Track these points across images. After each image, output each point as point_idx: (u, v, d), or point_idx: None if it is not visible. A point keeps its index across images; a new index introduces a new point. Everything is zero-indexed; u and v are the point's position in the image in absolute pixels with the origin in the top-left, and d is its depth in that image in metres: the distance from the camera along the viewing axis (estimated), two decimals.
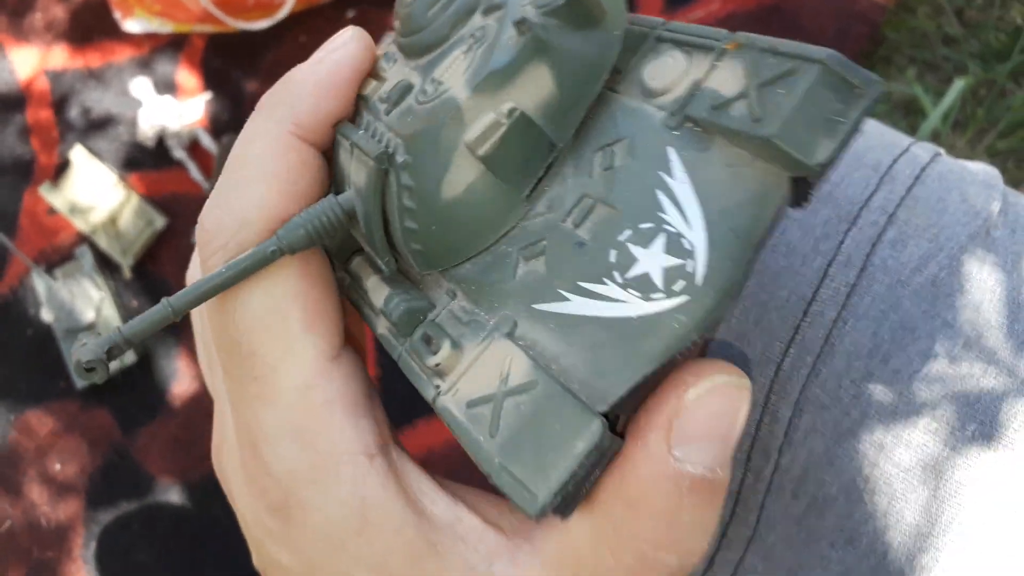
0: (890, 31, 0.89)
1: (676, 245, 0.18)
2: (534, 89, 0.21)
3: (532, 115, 0.21)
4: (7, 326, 0.92)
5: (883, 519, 0.27)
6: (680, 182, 0.19)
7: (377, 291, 0.23)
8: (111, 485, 0.88)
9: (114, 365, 0.87)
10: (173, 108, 0.92)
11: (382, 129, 0.22)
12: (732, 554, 0.29)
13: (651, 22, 0.22)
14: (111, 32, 0.97)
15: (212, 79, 0.95)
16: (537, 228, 0.21)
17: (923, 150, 0.31)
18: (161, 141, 0.93)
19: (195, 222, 0.91)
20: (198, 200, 0.92)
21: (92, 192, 0.90)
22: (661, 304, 0.18)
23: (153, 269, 0.91)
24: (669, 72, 0.20)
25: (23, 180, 0.95)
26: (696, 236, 0.18)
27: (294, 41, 0.95)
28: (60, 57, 0.97)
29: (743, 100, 0.18)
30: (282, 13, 0.89)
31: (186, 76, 0.95)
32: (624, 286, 0.19)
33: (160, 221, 0.90)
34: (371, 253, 0.23)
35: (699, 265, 0.18)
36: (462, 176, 0.21)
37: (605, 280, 0.19)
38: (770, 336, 0.28)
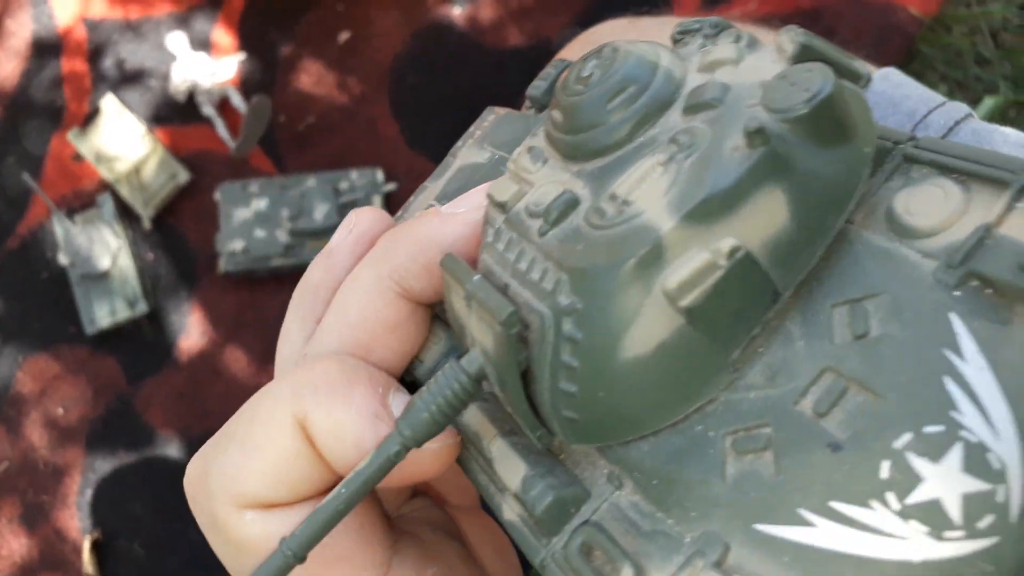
0: (925, 46, 0.89)
1: (979, 462, 0.13)
2: (763, 221, 0.16)
3: (757, 255, 0.16)
4: (23, 267, 0.93)
5: None
6: (975, 367, 0.14)
7: (507, 462, 0.19)
8: (112, 434, 0.89)
9: (125, 314, 0.87)
10: (206, 65, 0.93)
11: (532, 254, 0.18)
12: None
13: (894, 134, 0.17)
14: None
15: (248, 40, 0.96)
16: (754, 408, 0.16)
17: (957, 107, 0.31)
18: (191, 97, 0.94)
19: (219, 179, 0.91)
20: (223, 157, 0.93)
21: (119, 141, 0.90)
22: (959, 547, 0.13)
23: (172, 222, 0.92)
24: (936, 207, 0.16)
25: (52, 124, 0.96)
26: (1006, 450, 0.13)
27: (332, 8, 0.96)
28: (100, 6, 0.98)
29: None
30: None
31: (222, 35, 0.96)
32: (903, 516, 0.14)
33: (184, 175, 0.91)
34: (516, 418, 0.18)
35: (1013, 493, 0.13)
36: (653, 331, 0.16)
37: (872, 504, 0.14)
38: None
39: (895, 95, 0.30)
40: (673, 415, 0.17)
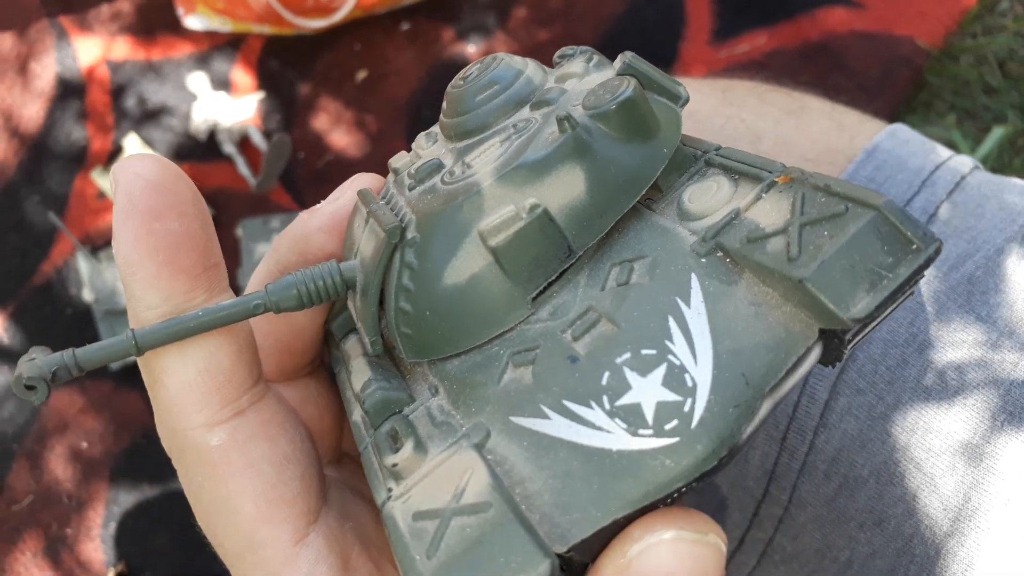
0: (932, 76, 0.90)
1: (677, 379, 0.16)
2: (563, 190, 0.20)
3: (555, 216, 0.19)
4: (48, 304, 0.95)
5: (912, 502, 0.28)
6: (696, 312, 0.17)
7: (359, 374, 0.22)
8: (135, 467, 0.90)
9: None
10: (226, 104, 0.95)
11: (402, 203, 0.21)
12: (762, 533, 0.30)
13: (705, 145, 0.21)
14: (173, 28, 1.00)
15: (266, 79, 0.98)
16: (535, 334, 0.19)
17: (962, 162, 0.32)
18: (212, 135, 0.96)
19: (240, 215, 0.93)
20: (244, 194, 0.95)
21: None
22: (647, 442, 0.16)
23: None
24: (711, 197, 0.20)
25: (76, 164, 0.98)
26: (701, 374, 0.16)
27: (348, 48, 0.98)
28: (122, 49, 1.01)
29: (781, 236, 0.17)
30: (339, 15, 0.92)
31: (241, 75, 0.98)
32: (611, 414, 0.17)
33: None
34: (360, 330, 0.22)
35: (698, 406, 0.16)
36: (468, 264, 0.20)
37: (592, 403, 0.17)
38: None
39: (902, 153, 0.31)
40: (480, 338, 0.20)
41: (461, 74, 0.23)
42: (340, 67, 0.97)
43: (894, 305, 0.16)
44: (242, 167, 0.95)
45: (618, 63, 0.22)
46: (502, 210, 0.19)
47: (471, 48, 0.96)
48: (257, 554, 0.20)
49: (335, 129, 0.96)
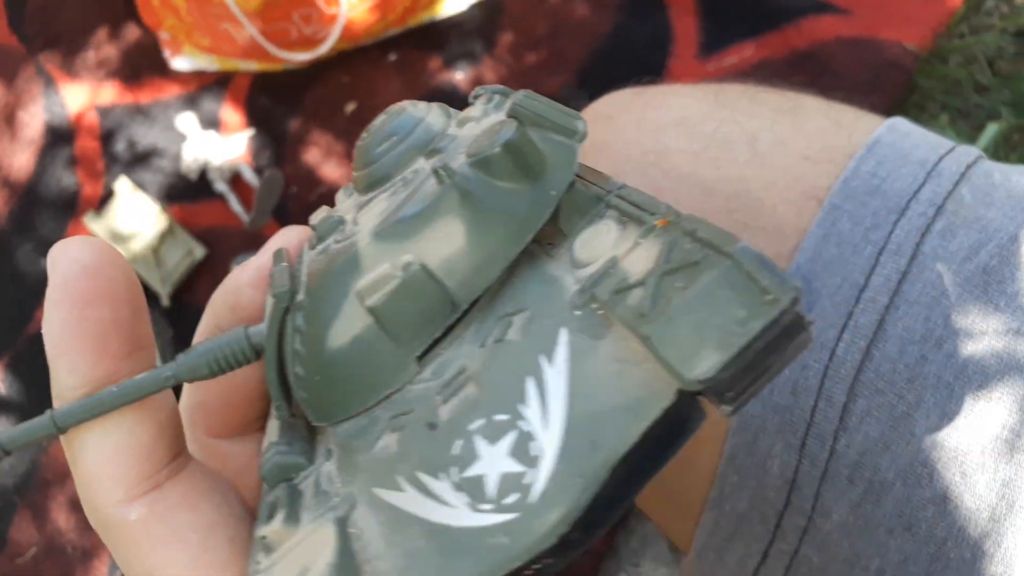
0: (922, 79, 0.90)
1: (523, 448, 0.15)
2: (442, 244, 0.19)
3: (434, 271, 0.19)
4: (43, 354, 0.93)
5: (943, 504, 0.26)
6: (557, 371, 0.16)
7: (268, 436, 0.21)
8: None
9: None
10: (217, 143, 0.95)
11: (306, 262, 0.21)
12: (786, 545, 0.29)
13: (609, 184, 0.20)
14: (160, 70, 1.00)
15: (255, 116, 0.98)
16: (413, 396, 0.19)
17: (967, 151, 0.31)
18: (203, 174, 0.95)
19: (234, 253, 0.92)
20: (238, 231, 0.94)
21: (134, 221, 0.92)
22: (487, 518, 0.15)
23: (189, 300, 0.92)
24: (599, 243, 0.18)
25: (68, 211, 0.97)
26: (549, 441, 0.15)
27: (336, 81, 0.98)
28: (110, 93, 1.00)
29: (640, 288, 0.16)
30: (324, 47, 0.92)
31: (230, 113, 0.98)
32: (457, 487, 0.16)
33: (200, 251, 0.92)
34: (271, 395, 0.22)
35: (540, 478, 0.15)
36: (350, 326, 0.19)
37: (440, 475, 0.16)
38: (824, 322, 0.28)
39: (904, 146, 0.31)
40: (367, 401, 0.19)
41: (368, 126, 0.23)
42: (329, 100, 0.97)
43: (767, 367, 0.14)
44: (234, 204, 0.94)
45: (508, 103, 0.21)
46: (378, 269, 0.19)
47: (459, 75, 0.96)
48: None
49: (326, 162, 0.95)
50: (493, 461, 0.15)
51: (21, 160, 0.99)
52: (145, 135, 0.99)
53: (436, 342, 0.19)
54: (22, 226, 0.97)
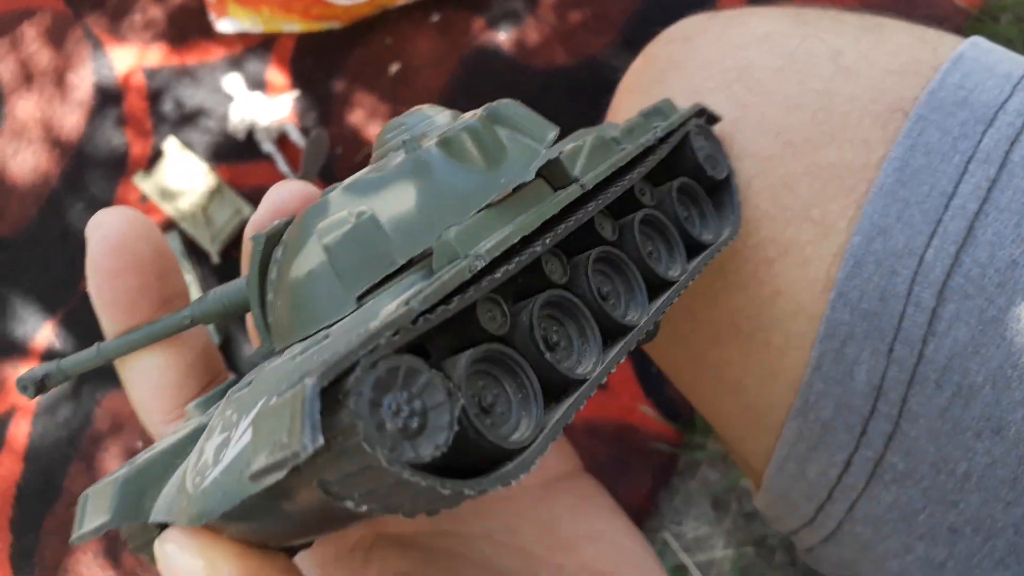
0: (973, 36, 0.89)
1: (228, 440, 0.18)
2: (394, 203, 0.21)
3: (383, 223, 0.21)
4: None
5: None
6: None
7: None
8: None
9: None
10: (263, 104, 0.96)
11: None
12: (871, 452, 0.30)
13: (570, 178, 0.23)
14: (205, 33, 1.01)
15: (300, 78, 0.99)
16: (333, 332, 0.20)
17: None
18: (250, 135, 0.97)
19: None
20: None
21: (183, 181, 0.93)
22: (196, 484, 0.18)
23: (239, 257, 0.94)
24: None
25: (117, 171, 0.99)
26: (231, 451, 0.17)
27: (380, 43, 0.98)
28: (157, 56, 1.02)
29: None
30: None
31: (276, 74, 0.99)
32: (221, 444, 0.18)
33: (248, 210, 0.93)
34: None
35: (208, 477, 0.17)
36: (308, 260, 0.22)
37: (236, 423, 0.18)
38: (912, 229, 0.28)
39: (988, 60, 0.31)
40: (310, 328, 0.21)
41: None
42: (373, 62, 0.98)
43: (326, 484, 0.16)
44: (281, 165, 0.95)
45: (484, 110, 0.24)
46: (338, 213, 0.21)
47: (502, 36, 0.96)
48: None
49: (371, 122, 0.96)
50: (232, 439, 0.18)
51: (71, 121, 1.01)
52: (192, 96, 1.00)
53: (374, 288, 0.21)
54: (74, 186, 0.99)
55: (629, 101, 0.35)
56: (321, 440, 0.14)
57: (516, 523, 0.30)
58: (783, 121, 0.30)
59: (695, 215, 0.28)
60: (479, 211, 0.21)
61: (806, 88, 0.30)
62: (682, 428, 0.85)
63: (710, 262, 0.27)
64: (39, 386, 0.25)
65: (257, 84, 0.99)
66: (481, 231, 0.20)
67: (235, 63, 1.00)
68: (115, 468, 0.94)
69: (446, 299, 0.17)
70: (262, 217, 0.24)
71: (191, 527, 0.18)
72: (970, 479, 0.28)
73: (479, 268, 0.18)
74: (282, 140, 0.97)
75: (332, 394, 0.15)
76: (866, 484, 0.31)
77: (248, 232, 0.25)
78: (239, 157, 0.97)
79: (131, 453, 0.92)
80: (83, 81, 1.02)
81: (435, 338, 0.19)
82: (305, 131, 0.96)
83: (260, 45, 1.00)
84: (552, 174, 0.23)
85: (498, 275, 0.19)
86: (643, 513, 0.84)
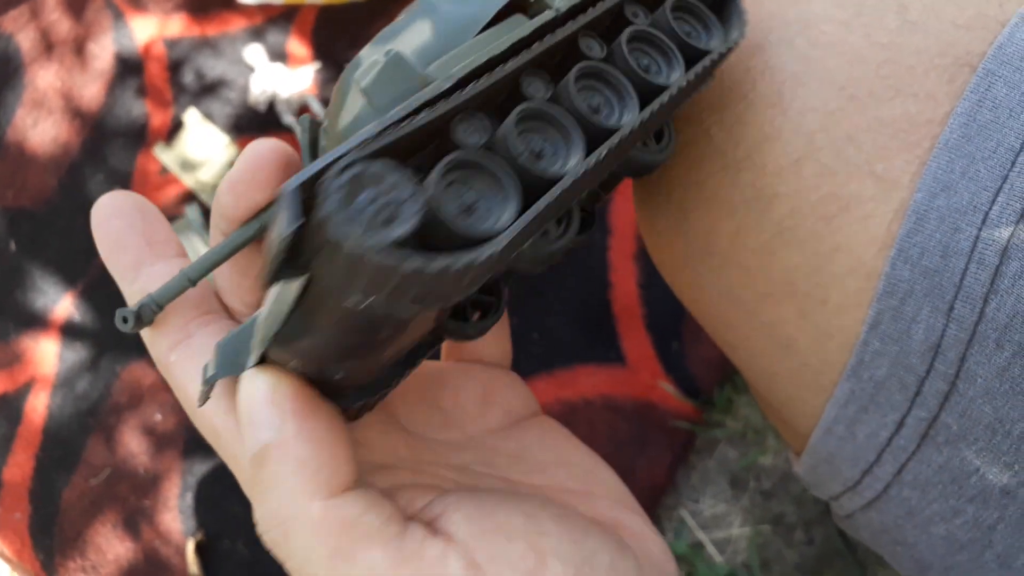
0: None
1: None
2: (415, 39, 0.24)
3: (408, 56, 0.24)
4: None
5: None
6: None
7: None
8: None
9: None
10: (284, 75, 0.95)
11: None
12: (925, 412, 0.29)
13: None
14: (227, 4, 1.00)
15: (321, 49, 0.98)
16: None
17: None
18: (272, 106, 0.96)
19: None
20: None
21: (204, 152, 0.93)
22: (260, 317, 0.22)
23: None
24: None
25: (137, 142, 0.99)
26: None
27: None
28: (177, 26, 1.01)
29: None
30: None
31: (297, 46, 0.98)
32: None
33: None
34: None
35: (267, 304, 0.21)
36: (351, 109, 0.25)
37: None
38: (977, 185, 0.28)
39: None
40: None
41: None
42: None
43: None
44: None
45: None
46: (370, 60, 0.25)
47: None
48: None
49: None
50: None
51: (92, 91, 1.01)
52: (213, 67, 0.99)
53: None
54: (94, 157, 0.99)
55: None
56: (297, 223, 0.17)
57: (490, 456, 0.32)
58: (847, 75, 0.30)
59: (699, 28, 0.29)
60: (465, 43, 0.24)
61: (872, 41, 0.30)
62: (701, 406, 0.85)
63: (714, 77, 0.30)
64: (137, 320, 0.26)
65: (278, 55, 0.98)
66: (460, 59, 0.23)
67: (256, 34, 1.00)
68: (134, 441, 0.94)
69: (415, 112, 0.20)
70: (239, 173, 0.26)
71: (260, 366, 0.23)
72: None
73: (446, 87, 0.21)
74: (303, 112, 0.96)
75: (313, 200, 0.17)
76: (918, 446, 0.30)
77: (222, 187, 0.26)
78: (260, 129, 0.96)
79: (150, 426, 0.92)
80: (103, 51, 1.02)
81: (429, 156, 0.21)
82: (326, 103, 0.96)
83: (281, 16, 1.00)
84: (535, 7, 0.25)
85: (466, 91, 0.21)
86: (661, 490, 0.83)
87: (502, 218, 0.19)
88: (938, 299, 0.28)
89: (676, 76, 0.26)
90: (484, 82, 0.21)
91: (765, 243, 0.31)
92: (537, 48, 0.23)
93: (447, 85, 0.21)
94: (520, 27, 0.24)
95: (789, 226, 0.30)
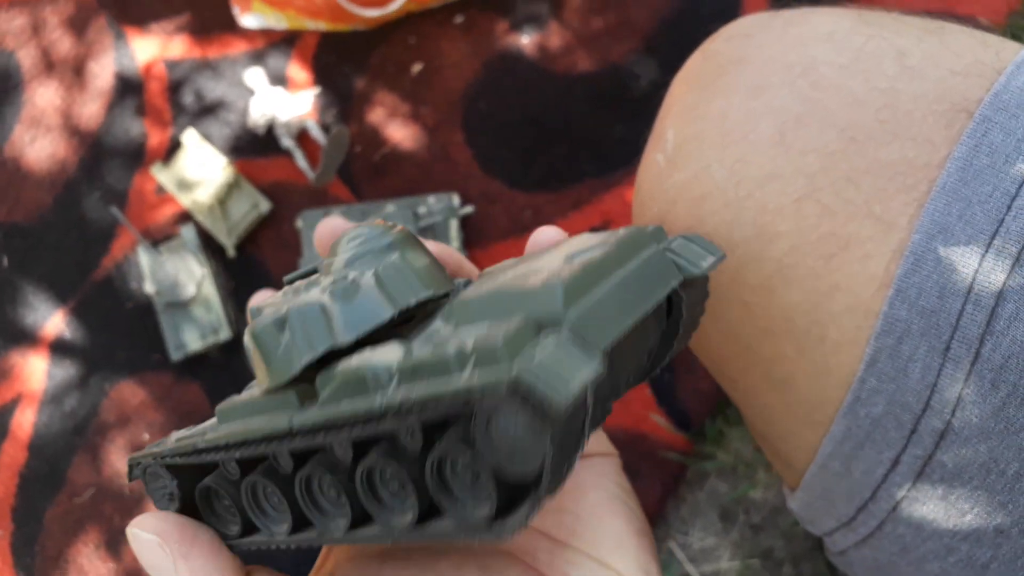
0: None
1: None
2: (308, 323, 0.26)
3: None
4: (108, 299, 0.95)
5: None
6: None
7: None
8: None
9: (211, 340, 0.89)
10: (284, 99, 0.96)
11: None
12: (920, 450, 0.30)
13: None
14: (229, 27, 1.01)
15: (322, 74, 0.99)
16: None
17: None
18: (270, 130, 0.97)
19: (298, 208, 0.94)
20: (303, 188, 0.95)
21: (201, 173, 0.93)
22: None
23: (254, 252, 0.94)
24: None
25: (135, 161, 0.99)
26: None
27: (403, 42, 0.98)
28: (179, 47, 1.02)
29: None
30: (394, 6, 0.93)
31: (297, 71, 0.99)
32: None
33: (265, 205, 0.93)
34: None
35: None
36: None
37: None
38: (973, 228, 0.28)
39: None
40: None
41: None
42: (395, 61, 0.98)
43: None
44: (300, 161, 0.95)
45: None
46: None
47: (525, 39, 0.97)
48: None
49: (391, 122, 0.96)
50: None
51: (91, 110, 1.01)
52: (213, 89, 1.00)
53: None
54: (90, 175, 0.99)
55: (686, 96, 0.35)
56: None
57: None
58: (847, 117, 0.30)
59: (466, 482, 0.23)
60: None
61: (871, 86, 0.30)
62: (692, 438, 0.85)
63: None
64: None
65: (278, 79, 0.99)
66: (240, 415, 0.27)
67: (257, 58, 1.00)
68: (121, 460, 0.93)
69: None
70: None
71: None
72: (1021, 480, 0.28)
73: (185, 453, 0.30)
74: (302, 136, 0.97)
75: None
76: (913, 483, 0.31)
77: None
78: (258, 152, 0.97)
79: (137, 446, 0.91)
80: (104, 70, 1.02)
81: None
82: (325, 128, 0.96)
83: (283, 41, 1.00)
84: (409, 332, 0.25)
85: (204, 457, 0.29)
86: (650, 521, 0.83)
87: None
88: (935, 339, 0.29)
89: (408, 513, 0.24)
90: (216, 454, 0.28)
91: (765, 280, 0.31)
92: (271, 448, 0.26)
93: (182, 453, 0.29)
94: (255, 425, 0.26)
95: (789, 264, 0.31)
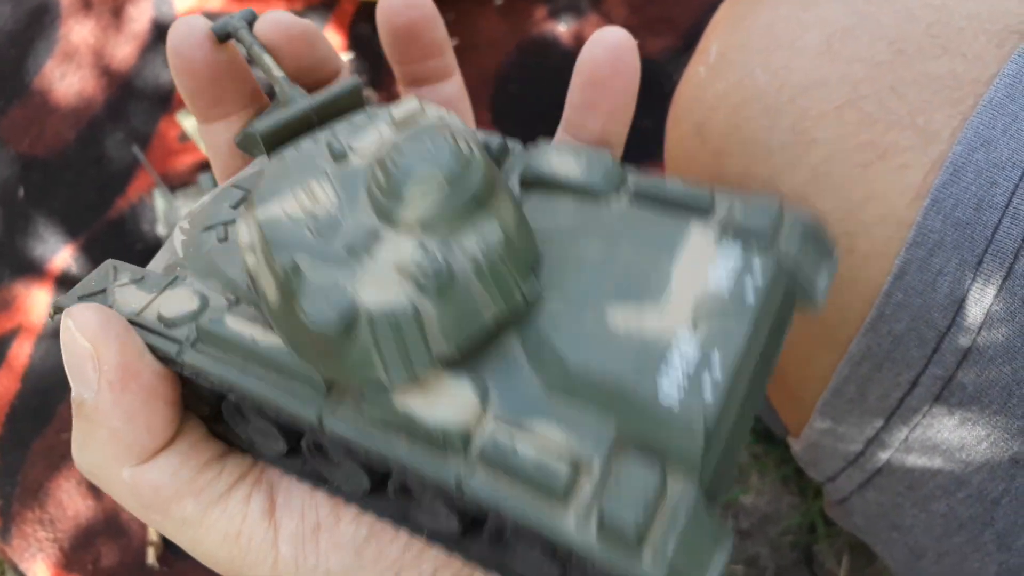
0: None
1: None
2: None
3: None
4: (119, 239, 0.95)
5: None
6: None
7: None
8: None
9: None
10: None
11: None
12: (941, 370, 0.29)
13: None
14: None
15: (356, 41, 0.99)
16: None
17: None
18: None
19: None
20: None
21: None
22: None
23: None
24: None
25: (161, 107, 0.99)
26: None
27: (441, 17, 0.99)
28: (218, 1, 1.02)
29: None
30: None
31: (332, 35, 1.00)
32: None
33: None
34: None
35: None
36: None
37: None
38: (1017, 142, 0.28)
39: None
40: None
41: None
42: None
43: None
44: None
45: None
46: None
47: (561, 27, 0.97)
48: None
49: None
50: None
51: (124, 52, 1.01)
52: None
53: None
54: (115, 115, 0.99)
55: (732, 10, 0.35)
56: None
57: None
58: (898, 30, 0.30)
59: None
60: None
61: (924, 2, 0.30)
62: None
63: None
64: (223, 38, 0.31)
65: None
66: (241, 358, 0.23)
67: None
68: None
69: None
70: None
71: None
72: None
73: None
74: None
75: None
76: (929, 407, 0.30)
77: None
78: None
79: None
80: (142, 14, 1.03)
81: None
82: None
83: (322, 4, 1.01)
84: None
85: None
86: None
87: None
88: (967, 252, 0.28)
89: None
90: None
91: (799, 187, 0.31)
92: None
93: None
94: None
95: (824, 172, 0.30)
